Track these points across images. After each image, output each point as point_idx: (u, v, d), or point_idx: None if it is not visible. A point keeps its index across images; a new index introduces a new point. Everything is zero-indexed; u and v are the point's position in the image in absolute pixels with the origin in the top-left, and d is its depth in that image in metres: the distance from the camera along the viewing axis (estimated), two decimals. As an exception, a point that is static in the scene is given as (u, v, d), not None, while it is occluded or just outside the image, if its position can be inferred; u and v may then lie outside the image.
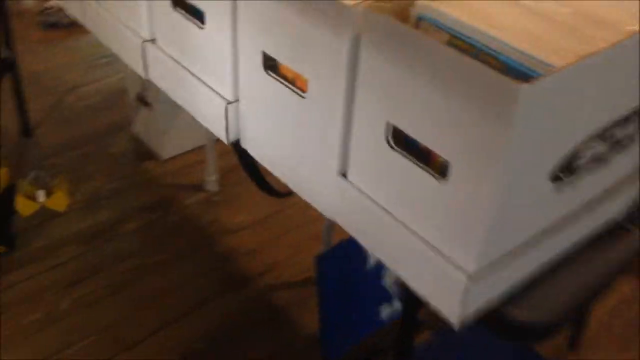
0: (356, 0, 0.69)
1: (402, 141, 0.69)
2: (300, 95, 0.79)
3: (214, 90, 0.94)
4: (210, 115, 0.96)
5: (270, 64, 0.83)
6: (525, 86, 0.54)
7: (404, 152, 0.69)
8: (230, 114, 0.92)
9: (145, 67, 1.08)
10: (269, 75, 0.82)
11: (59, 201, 1.75)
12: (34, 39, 2.75)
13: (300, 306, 1.68)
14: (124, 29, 1.10)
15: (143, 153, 2.18)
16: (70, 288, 1.71)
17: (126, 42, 1.11)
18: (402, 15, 0.71)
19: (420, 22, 0.68)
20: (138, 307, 1.68)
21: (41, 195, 1.70)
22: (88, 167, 2.13)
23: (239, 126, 0.94)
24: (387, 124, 0.69)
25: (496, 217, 0.63)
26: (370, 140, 0.72)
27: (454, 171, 0.64)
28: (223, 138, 0.95)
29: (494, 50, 0.63)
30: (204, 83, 0.95)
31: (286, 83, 0.80)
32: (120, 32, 1.11)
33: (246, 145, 0.94)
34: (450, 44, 0.66)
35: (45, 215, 1.83)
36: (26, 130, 2.23)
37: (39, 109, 2.34)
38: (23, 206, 1.69)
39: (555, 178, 0.67)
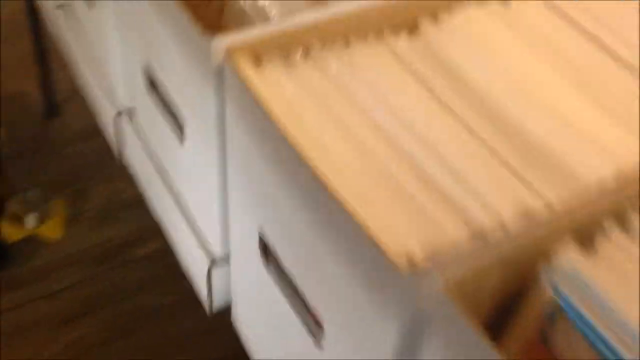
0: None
1: None
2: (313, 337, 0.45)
3: (197, 236, 0.60)
4: (193, 267, 0.63)
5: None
6: None
7: None
8: (215, 276, 0.59)
9: (119, 145, 0.75)
10: (268, 266, 0.48)
11: (53, 229, 1.46)
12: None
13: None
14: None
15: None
16: (63, 326, 1.44)
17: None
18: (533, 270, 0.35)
19: (554, 314, 0.32)
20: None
21: (32, 220, 1.42)
22: (114, 160, 1.83)
23: (230, 290, 0.60)
24: None
25: None
26: None
27: None
28: (204, 304, 0.62)
29: None
30: (186, 219, 0.62)
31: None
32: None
33: (236, 321, 0.61)
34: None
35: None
36: (51, 109, 1.94)
37: (69, 80, 2.04)
38: (8, 232, 1.41)
39: None
